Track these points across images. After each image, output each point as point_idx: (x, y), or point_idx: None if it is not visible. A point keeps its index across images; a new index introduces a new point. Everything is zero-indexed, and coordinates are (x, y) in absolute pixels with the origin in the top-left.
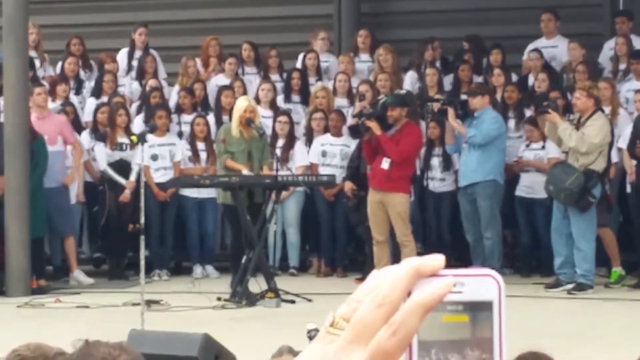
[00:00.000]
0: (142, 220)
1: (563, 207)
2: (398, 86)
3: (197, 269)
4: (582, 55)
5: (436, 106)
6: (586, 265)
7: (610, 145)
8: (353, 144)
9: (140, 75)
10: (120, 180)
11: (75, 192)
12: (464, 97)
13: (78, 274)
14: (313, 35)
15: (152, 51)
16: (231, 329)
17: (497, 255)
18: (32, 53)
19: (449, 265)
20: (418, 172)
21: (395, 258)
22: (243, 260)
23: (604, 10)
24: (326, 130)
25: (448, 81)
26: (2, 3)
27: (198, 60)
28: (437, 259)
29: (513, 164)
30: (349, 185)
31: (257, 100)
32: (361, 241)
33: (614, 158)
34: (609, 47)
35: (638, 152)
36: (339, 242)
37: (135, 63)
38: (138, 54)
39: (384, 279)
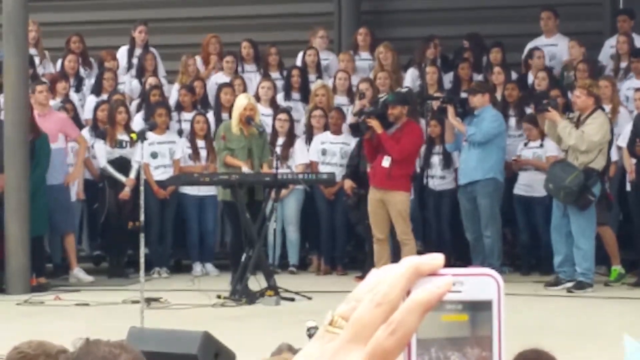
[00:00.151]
0: (142, 217)
1: (563, 205)
2: (398, 84)
3: (197, 267)
4: (581, 54)
5: (436, 104)
6: (586, 263)
7: (610, 143)
8: (353, 142)
9: (140, 73)
10: (120, 177)
11: (75, 190)
12: (464, 95)
13: (78, 272)
14: (312, 34)
15: (152, 49)
16: (231, 327)
17: (497, 254)
18: (32, 51)
19: (448, 263)
20: (418, 170)
21: (395, 256)
22: (243, 258)
23: (604, 9)
24: (326, 128)
25: (448, 79)
26: (2, 1)
27: (198, 58)
28: (436, 258)
29: (512, 163)
30: (348, 184)
31: (257, 98)
32: (361, 239)
33: (614, 156)
34: (609, 45)
35: (638, 151)
36: (338, 240)
37: (135, 61)
38: (138, 51)
39: (383, 278)
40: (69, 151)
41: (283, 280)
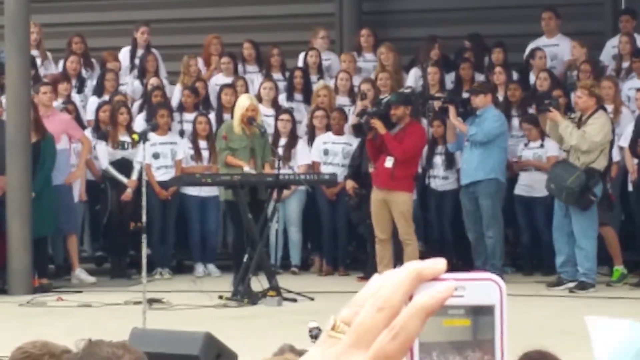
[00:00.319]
0: (144, 218)
1: (564, 205)
2: (399, 85)
3: (199, 268)
4: (583, 54)
5: (437, 104)
6: (588, 263)
7: (612, 143)
8: (355, 142)
9: (142, 74)
10: (122, 178)
11: (77, 191)
12: (465, 95)
13: (80, 273)
14: (313, 34)
15: (154, 50)
16: (233, 328)
17: (499, 254)
18: (34, 52)
19: (450, 263)
20: (420, 171)
21: (397, 257)
22: (245, 259)
23: (605, 9)
24: (328, 128)
25: (449, 79)
26: (3, 2)
27: (200, 59)
28: (438, 263)
29: (513, 164)
30: (350, 184)
31: (259, 98)
32: (363, 240)
33: (616, 157)
34: (611, 45)
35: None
36: (340, 241)
37: (137, 62)
38: (140, 52)
39: (385, 282)
40: (72, 152)
41: (285, 281)
